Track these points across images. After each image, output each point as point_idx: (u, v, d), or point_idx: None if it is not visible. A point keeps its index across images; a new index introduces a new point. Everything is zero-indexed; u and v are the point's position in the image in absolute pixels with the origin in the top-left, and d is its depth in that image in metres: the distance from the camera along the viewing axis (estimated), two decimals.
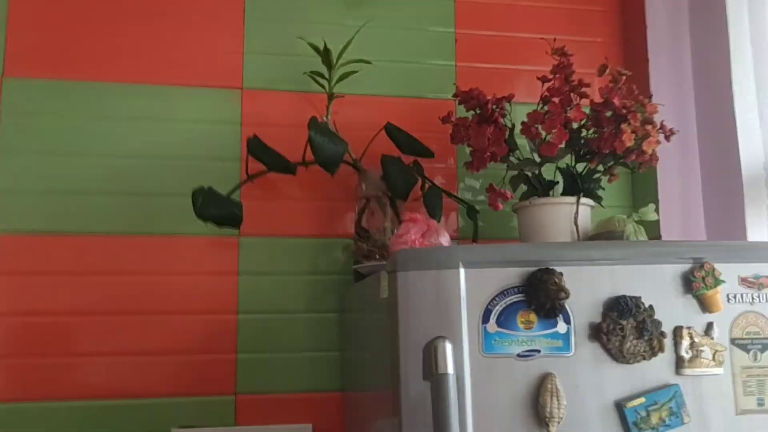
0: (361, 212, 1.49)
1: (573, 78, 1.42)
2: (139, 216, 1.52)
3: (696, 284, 0.97)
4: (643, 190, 1.72)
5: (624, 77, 1.41)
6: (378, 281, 1.02)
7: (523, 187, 1.45)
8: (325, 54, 1.50)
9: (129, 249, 1.50)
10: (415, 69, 1.69)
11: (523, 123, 1.37)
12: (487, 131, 1.30)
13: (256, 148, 1.44)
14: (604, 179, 1.46)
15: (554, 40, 1.44)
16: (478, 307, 0.91)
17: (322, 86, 1.54)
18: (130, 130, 1.55)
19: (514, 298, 0.91)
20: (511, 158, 1.42)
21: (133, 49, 1.58)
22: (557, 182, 1.46)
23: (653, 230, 1.50)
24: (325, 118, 1.51)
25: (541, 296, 0.90)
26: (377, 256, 1.30)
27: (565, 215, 1.38)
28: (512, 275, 0.93)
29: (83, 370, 1.45)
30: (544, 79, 1.43)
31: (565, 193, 1.43)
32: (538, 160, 1.40)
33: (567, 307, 0.93)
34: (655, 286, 0.98)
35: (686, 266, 0.99)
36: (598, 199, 1.43)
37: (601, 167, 1.44)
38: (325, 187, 1.59)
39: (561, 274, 0.92)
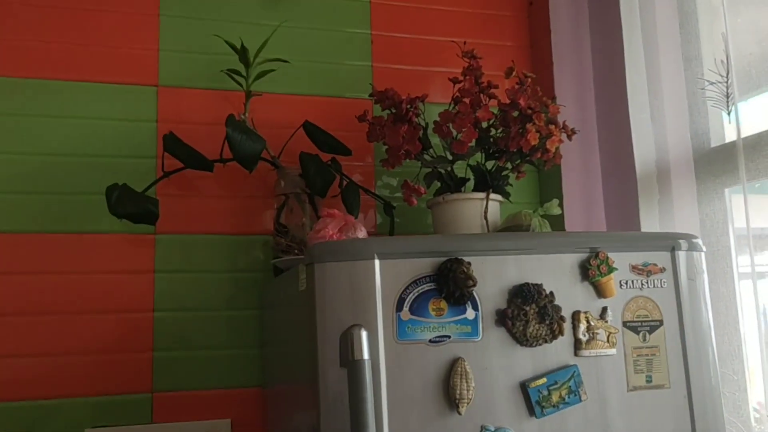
0: (280, 209, 1.52)
1: (482, 80, 1.50)
2: (53, 214, 1.49)
3: (592, 272, 1.05)
4: (549, 186, 1.82)
5: (529, 79, 1.49)
6: (296, 275, 1.05)
7: (436, 184, 1.52)
8: (242, 52, 1.52)
9: (42, 247, 1.47)
10: (333, 68, 1.72)
11: (435, 122, 1.43)
12: (401, 130, 1.35)
13: (172, 144, 1.44)
14: (512, 176, 1.55)
15: (464, 43, 1.51)
16: (392, 296, 0.96)
17: (240, 84, 1.56)
18: (44, 128, 1.52)
19: (426, 287, 0.97)
20: (425, 156, 1.48)
21: (46, 45, 1.54)
22: (468, 179, 1.53)
23: (558, 224, 1.59)
24: (242, 116, 1.52)
25: (451, 284, 0.96)
26: (296, 251, 1.33)
27: (475, 210, 1.45)
28: (424, 265, 0.98)
29: None
30: (455, 80, 1.49)
31: (475, 189, 1.51)
32: (450, 157, 1.47)
33: (475, 294, 0.99)
34: (556, 274, 1.06)
35: (584, 255, 1.07)
36: (506, 194, 1.51)
37: (509, 165, 1.52)
38: (243, 184, 1.60)
39: (469, 263, 0.98)
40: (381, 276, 0.95)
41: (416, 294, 0.96)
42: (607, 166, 1.69)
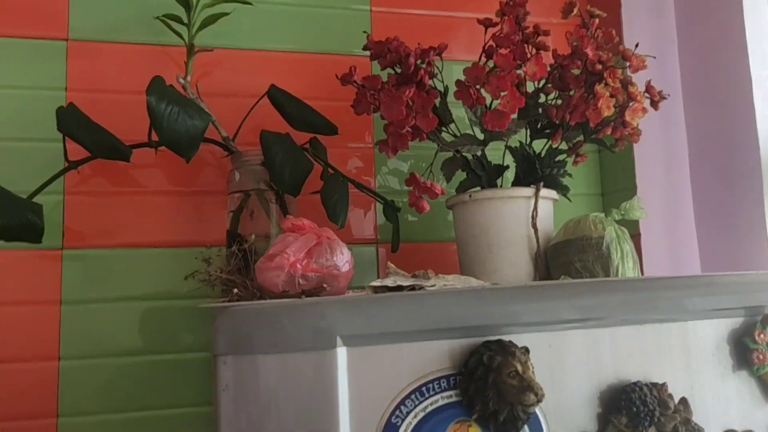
0: (237, 213, 1.06)
1: (526, 23, 1.02)
2: None
3: (758, 355, 0.58)
4: (613, 175, 1.33)
5: (596, 19, 1.01)
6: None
7: (460, 175, 1.05)
8: None
9: None
10: (315, 14, 1.25)
11: (458, 83, 0.95)
12: (405, 95, 0.88)
13: (69, 122, 0.98)
14: (569, 161, 1.07)
15: None
16: (373, 419, 0.49)
17: (179, 35, 1.09)
18: None
19: (441, 398, 0.50)
20: (444, 134, 1.01)
21: None
22: (507, 167, 1.06)
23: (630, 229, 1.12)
24: (181, 80, 1.06)
25: (491, 396, 0.49)
26: (246, 285, 0.87)
27: (518, 213, 0.98)
28: (435, 354, 0.51)
29: None
30: (487, 24, 1.02)
31: (517, 183, 1.04)
32: (480, 136, 1.00)
33: (539, 414, 0.52)
34: (686, 360, 0.58)
35: (737, 322, 0.59)
36: (564, 189, 1.04)
37: (564, 145, 1.05)
38: (184, 177, 1.15)
39: (526, 351, 0.51)
40: (349, 377, 0.49)
41: (422, 413, 0.50)
42: (699, 149, 1.20)
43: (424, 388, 0.50)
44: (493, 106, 0.94)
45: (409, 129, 0.87)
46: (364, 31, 1.05)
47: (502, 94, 0.87)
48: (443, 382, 0.51)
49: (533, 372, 0.50)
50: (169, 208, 1.15)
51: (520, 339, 0.53)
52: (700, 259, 1.22)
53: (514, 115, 0.95)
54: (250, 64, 1.20)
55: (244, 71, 1.19)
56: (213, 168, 1.17)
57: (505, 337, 0.52)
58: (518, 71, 0.91)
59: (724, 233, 1.14)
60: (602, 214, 0.96)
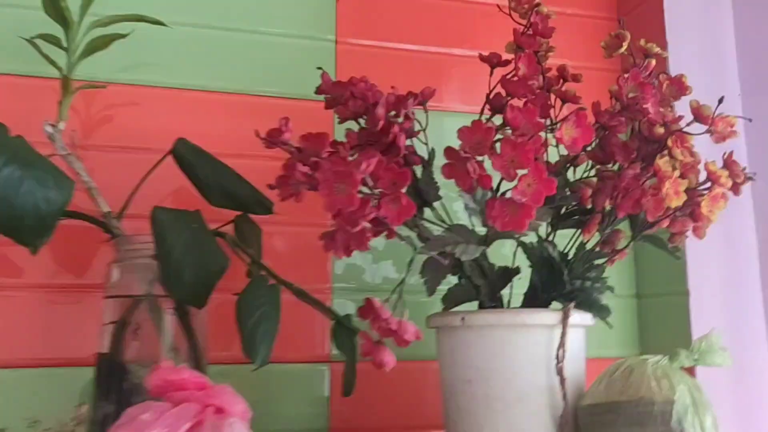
0: (119, 329, 0.71)
1: (547, 65, 0.70)
2: None
3: None
4: (654, 268, 1.00)
5: (653, 60, 0.69)
6: None
7: (449, 282, 0.70)
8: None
9: None
10: (259, 43, 0.92)
11: (449, 153, 0.60)
12: (362, 170, 0.53)
13: None
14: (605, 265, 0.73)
15: None
16: None
17: (54, 64, 0.76)
18: None
19: None
20: (420, 224, 0.67)
21: None
22: (518, 271, 0.72)
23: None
24: (50, 129, 0.72)
25: None
26: None
27: (536, 351, 0.64)
28: None
29: None
30: (494, 61, 0.69)
31: (534, 299, 0.70)
32: (482, 230, 0.66)
33: None
34: None
35: None
36: (603, 311, 0.69)
37: (598, 235, 0.71)
38: (41, 268, 0.81)
39: None
40: None
41: None
42: None
43: None
44: (502, 189, 0.60)
45: (366, 225, 0.53)
46: (319, 67, 0.72)
47: (520, 173, 0.54)
48: None
49: None
50: (29, 310, 0.80)
51: None
52: None
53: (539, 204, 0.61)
54: (161, 108, 0.86)
55: (152, 117, 0.86)
56: (64, 261, 0.83)
57: None
58: (546, 135, 0.58)
59: None
60: (666, 360, 0.62)
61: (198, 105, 0.88)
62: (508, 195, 0.56)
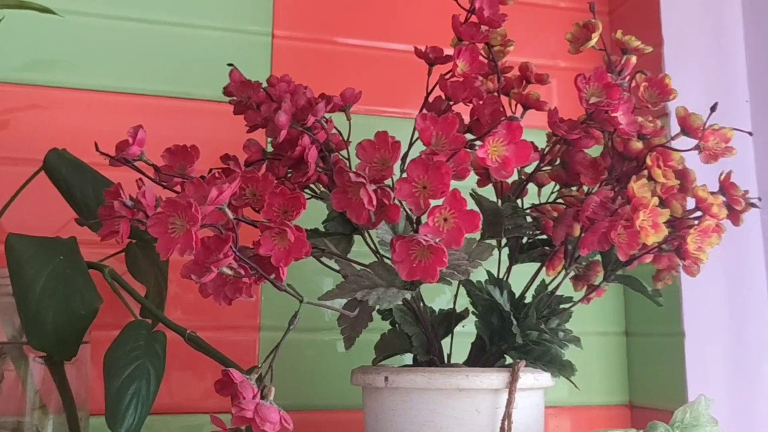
0: None
1: (504, 62, 0.57)
2: None
3: None
4: (643, 305, 0.85)
5: (634, 57, 0.55)
6: None
7: (374, 330, 0.57)
8: None
9: None
10: (179, 37, 0.79)
11: (338, 175, 0.47)
12: (215, 194, 0.39)
13: None
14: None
15: None
16: None
17: None
18: None
19: None
20: (343, 260, 0.54)
21: None
22: (463, 316, 0.58)
23: None
24: None
25: None
26: None
27: (477, 421, 0.50)
28: None
29: None
30: (433, 59, 0.56)
31: (480, 354, 0.56)
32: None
33: None
34: None
35: None
36: (565, 368, 0.55)
37: (571, 272, 0.57)
38: None
39: None
40: None
41: None
42: None
43: None
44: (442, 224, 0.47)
45: (226, 270, 0.39)
46: (230, 64, 0.59)
47: (433, 203, 0.40)
48: None
49: None
50: None
51: None
52: None
53: (471, 234, 0.48)
54: (64, 112, 0.74)
55: (34, 124, 0.73)
56: None
57: None
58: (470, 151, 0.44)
59: None
60: None
61: (109, 108, 0.75)
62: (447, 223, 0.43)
